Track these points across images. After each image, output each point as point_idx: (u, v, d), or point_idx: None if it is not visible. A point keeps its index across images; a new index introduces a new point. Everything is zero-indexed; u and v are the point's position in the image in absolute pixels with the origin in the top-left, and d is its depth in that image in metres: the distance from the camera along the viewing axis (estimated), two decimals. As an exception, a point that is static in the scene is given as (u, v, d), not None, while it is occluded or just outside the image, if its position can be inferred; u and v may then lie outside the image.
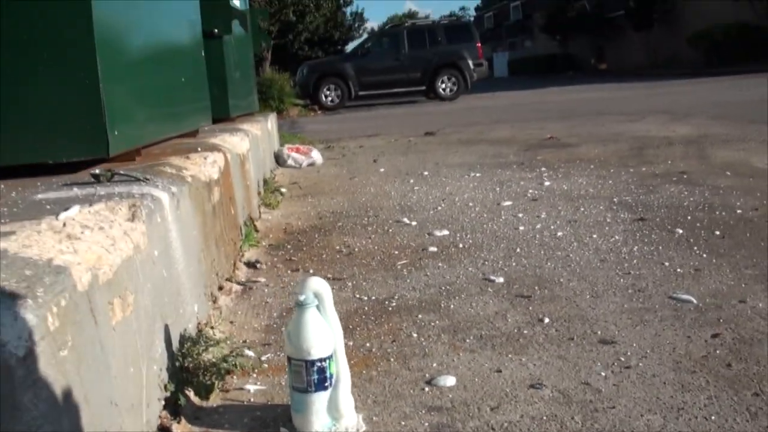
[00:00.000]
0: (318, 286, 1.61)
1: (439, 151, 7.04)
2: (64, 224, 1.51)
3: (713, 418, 1.60)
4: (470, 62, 18.38)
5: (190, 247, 2.18)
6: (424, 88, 18.61)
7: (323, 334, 1.58)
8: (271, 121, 6.90)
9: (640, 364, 1.90)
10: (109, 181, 2.05)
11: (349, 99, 18.42)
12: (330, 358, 1.60)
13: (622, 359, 1.93)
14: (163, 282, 1.79)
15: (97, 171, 2.10)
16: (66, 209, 1.63)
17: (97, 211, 1.67)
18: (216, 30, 5.07)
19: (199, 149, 3.03)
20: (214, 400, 1.80)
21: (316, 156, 6.73)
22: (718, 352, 1.95)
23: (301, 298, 1.58)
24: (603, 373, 1.85)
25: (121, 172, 2.13)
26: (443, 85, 18.43)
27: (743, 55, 22.92)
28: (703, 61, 25.29)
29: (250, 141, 4.32)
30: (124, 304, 1.43)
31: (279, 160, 6.58)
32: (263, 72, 18.46)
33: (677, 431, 1.55)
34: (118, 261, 1.45)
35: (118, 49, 2.59)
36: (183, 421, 1.64)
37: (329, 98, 18.27)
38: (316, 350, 1.57)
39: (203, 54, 4.08)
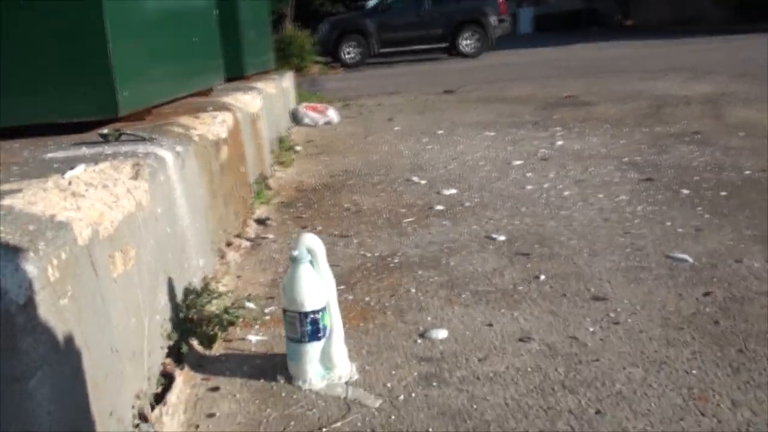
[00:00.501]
0: (311, 242, 1.67)
1: (456, 110, 7.03)
2: (70, 182, 1.58)
3: (694, 372, 1.66)
4: (493, 18, 18.06)
5: (196, 204, 2.25)
6: (446, 45, 18.37)
7: (316, 287, 1.66)
8: (287, 79, 6.92)
9: (629, 320, 1.95)
10: (117, 141, 2.12)
11: (370, 56, 18.25)
12: (323, 310, 1.67)
13: (612, 315, 1.99)
14: (166, 238, 1.86)
15: (105, 131, 2.17)
16: (72, 168, 1.70)
17: (102, 169, 1.74)
18: (230, -12, 5.08)
19: (210, 108, 3.09)
20: (217, 349, 1.89)
21: (333, 114, 6.76)
22: (707, 309, 2.00)
23: (295, 253, 1.65)
24: (591, 329, 1.91)
25: (128, 132, 2.19)
26: (465, 42, 18.15)
27: (769, 13, 22.30)
28: (729, 18, 24.68)
29: (262, 99, 4.37)
30: (125, 258, 1.51)
31: (295, 118, 6.62)
32: (284, 29, 18.35)
33: (657, 383, 1.61)
34: (120, 217, 1.52)
35: (127, 9, 2.63)
36: (186, 368, 1.73)
37: (350, 55, 18.10)
38: (309, 303, 1.65)
39: (216, 12, 4.11)
